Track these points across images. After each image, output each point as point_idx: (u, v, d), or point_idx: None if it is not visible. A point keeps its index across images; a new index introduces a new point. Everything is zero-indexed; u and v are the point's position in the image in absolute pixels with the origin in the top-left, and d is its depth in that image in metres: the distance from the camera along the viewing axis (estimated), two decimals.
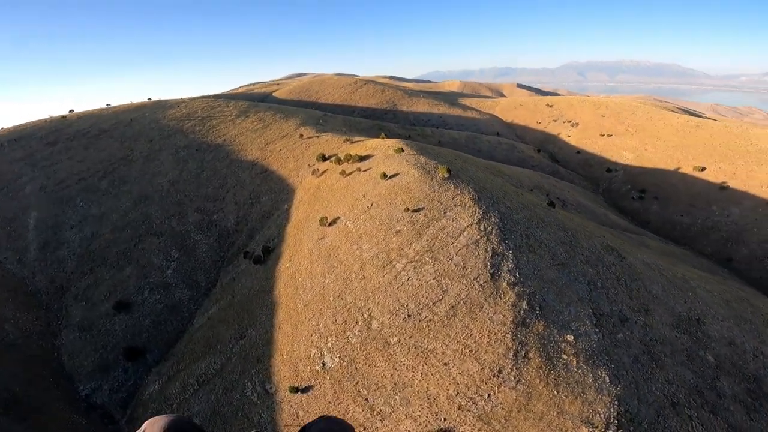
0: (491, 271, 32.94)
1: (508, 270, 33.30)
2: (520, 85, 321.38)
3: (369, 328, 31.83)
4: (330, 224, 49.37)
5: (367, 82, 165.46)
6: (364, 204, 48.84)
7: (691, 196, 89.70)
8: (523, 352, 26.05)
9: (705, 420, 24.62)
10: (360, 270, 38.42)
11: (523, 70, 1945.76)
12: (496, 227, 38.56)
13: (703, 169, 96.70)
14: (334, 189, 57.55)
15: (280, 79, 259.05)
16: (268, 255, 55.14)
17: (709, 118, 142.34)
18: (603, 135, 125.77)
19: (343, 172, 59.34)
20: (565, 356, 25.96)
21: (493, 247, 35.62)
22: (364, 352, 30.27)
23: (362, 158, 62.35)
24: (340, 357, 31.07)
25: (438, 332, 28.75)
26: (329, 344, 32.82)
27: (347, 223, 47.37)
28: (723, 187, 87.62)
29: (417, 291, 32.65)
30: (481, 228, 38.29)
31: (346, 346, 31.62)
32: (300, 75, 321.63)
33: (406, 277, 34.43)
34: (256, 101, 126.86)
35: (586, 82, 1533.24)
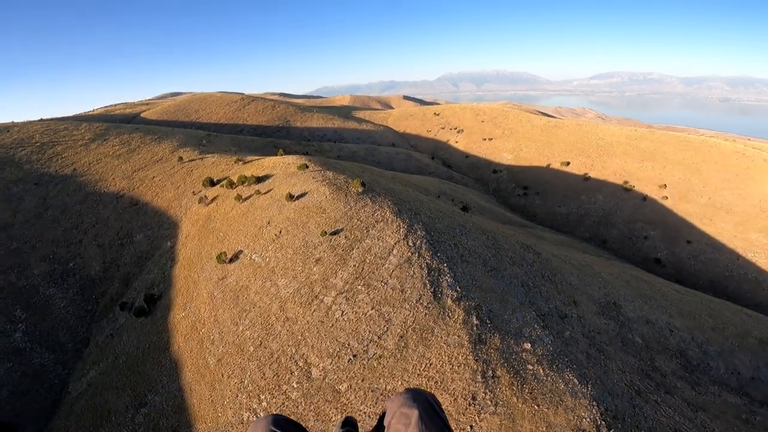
0: (432, 289, 30.00)
1: (448, 285, 30.78)
2: (406, 97, 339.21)
3: (309, 377, 25.98)
4: (231, 260, 41.65)
5: (255, 98, 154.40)
6: (270, 232, 42.30)
7: (564, 189, 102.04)
8: (490, 372, 23.40)
9: (669, 402, 25.00)
10: (280, 311, 32.08)
11: (406, 83, 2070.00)
12: (425, 240, 36.06)
13: (568, 163, 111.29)
14: (229, 218, 49.42)
15: (151, 99, 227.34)
16: (154, 304, 44.68)
17: (559, 119, 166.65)
18: (485, 139, 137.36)
19: (238, 197, 51.46)
20: (530, 366, 24.08)
21: (427, 263, 32.86)
22: (312, 407, 24.44)
23: (260, 179, 55.23)
24: None
25: (393, 368, 24.49)
26: (264, 403, 26.09)
27: (253, 256, 40.31)
28: (586, 178, 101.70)
29: (356, 326, 27.90)
30: (410, 243, 35.37)
31: (286, 403, 25.33)
32: (175, 94, 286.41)
33: (340, 312, 29.43)
34: (119, 123, 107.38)
35: (459, 92, 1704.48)
